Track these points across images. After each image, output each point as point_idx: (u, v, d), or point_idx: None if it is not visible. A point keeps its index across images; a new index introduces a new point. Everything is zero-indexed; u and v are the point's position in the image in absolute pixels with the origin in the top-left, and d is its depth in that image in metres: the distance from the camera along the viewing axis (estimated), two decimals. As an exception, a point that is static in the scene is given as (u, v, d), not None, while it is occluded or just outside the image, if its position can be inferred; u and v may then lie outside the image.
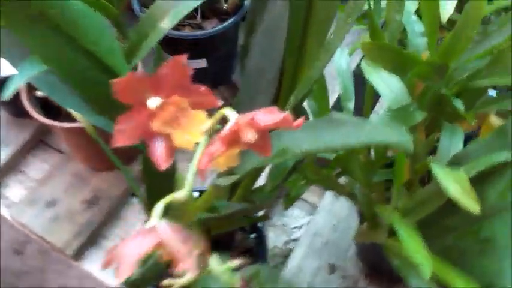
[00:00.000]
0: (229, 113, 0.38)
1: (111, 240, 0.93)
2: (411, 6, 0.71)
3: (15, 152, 0.99)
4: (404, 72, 0.59)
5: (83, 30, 0.48)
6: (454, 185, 0.44)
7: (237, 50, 1.10)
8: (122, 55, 0.54)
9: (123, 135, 0.40)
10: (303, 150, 0.45)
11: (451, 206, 0.46)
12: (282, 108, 0.48)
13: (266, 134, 0.38)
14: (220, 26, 0.96)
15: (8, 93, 0.48)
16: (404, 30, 0.69)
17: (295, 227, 0.93)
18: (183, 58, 0.38)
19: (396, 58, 0.57)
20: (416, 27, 0.68)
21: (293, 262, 0.89)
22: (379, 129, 0.48)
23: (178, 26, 0.98)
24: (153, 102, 0.39)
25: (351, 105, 0.70)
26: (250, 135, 0.35)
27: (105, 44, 0.51)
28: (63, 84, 0.53)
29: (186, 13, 0.60)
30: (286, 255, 0.90)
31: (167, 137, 0.41)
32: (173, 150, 0.41)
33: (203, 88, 0.40)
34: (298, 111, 0.57)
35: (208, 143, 0.39)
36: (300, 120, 0.37)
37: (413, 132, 0.55)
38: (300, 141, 0.44)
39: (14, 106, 0.96)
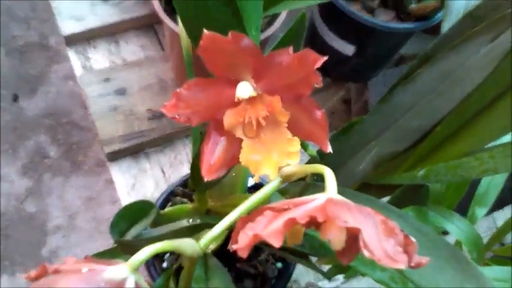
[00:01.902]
0: (329, 181, 0.24)
1: (149, 162, 0.84)
2: None
3: (122, 20, 0.90)
4: None
5: None
6: None
7: (390, 59, 0.93)
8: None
9: (184, 103, 0.27)
10: None
11: None
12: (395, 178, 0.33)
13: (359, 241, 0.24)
14: (395, 25, 0.79)
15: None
16: None
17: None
18: (321, 60, 0.23)
19: None
20: None
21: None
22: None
23: (349, -3, 0.82)
24: (245, 88, 0.26)
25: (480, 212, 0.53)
26: (335, 238, 0.21)
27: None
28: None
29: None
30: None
31: (233, 143, 0.27)
32: (231, 162, 0.28)
33: (319, 114, 0.25)
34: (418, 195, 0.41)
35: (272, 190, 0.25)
36: (424, 260, 0.21)
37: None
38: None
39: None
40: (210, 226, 0.53)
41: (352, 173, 0.49)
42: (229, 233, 0.60)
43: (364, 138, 0.47)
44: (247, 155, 0.27)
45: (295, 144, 0.26)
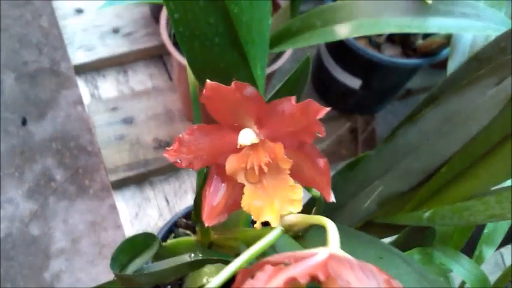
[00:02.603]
0: (331, 235, 0.23)
1: (154, 190, 0.84)
2: None
3: (131, 51, 0.92)
4: None
5: None
6: None
7: (396, 93, 0.93)
8: (267, 34, 0.40)
9: (186, 148, 0.27)
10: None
11: None
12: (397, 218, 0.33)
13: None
14: (402, 60, 0.79)
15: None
16: None
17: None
18: (323, 111, 0.23)
19: None
20: None
21: None
22: None
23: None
24: (248, 135, 0.26)
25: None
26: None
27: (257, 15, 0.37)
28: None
29: (379, 33, 0.45)
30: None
31: (234, 188, 0.27)
32: (233, 207, 0.28)
33: (322, 162, 0.25)
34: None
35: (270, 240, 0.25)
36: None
37: None
38: None
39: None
40: (212, 262, 0.52)
41: (356, 211, 0.49)
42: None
43: (369, 176, 0.47)
44: (249, 201, 0.27)
45: (298, 191, 0.26)
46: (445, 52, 0.78)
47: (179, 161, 0.26)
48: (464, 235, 0.50)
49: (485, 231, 0.54)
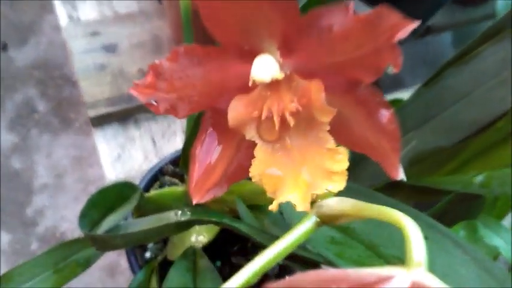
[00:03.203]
0: (415, 248, 0.14)
1: (139, 130, 0.74)
2: None
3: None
4: None
5: None
6: None
7: (416, 30, 0.82)
8: None
9: (166, 83, 0.17)
10: None
11: None
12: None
13: None
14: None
15: None
16: None
17: None
18: (409, 26, 0.13)
19: None
20: None
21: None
22: None
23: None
24: (267, 65, 0.16)
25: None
26: None
27: None
28: None
29: None
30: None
31: (240, 147, 0.17)
32: (235, 177, 0.18)
33: (387, 115, 0.16)
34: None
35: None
36: None
37: None
38: None
39: None
40: (202, 223, 0.43)
41: (380, 169, 0.40)
42: (223, 228, 0.51)
43: (401, 126, 0.37)
44: (263, 168, 0.17)
45: (341, 158, 0.16)
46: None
47: (154, 103, 0.16)
48: (509, 202, 0.42)
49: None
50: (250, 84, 0.16)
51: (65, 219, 1.30)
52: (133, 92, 0.16)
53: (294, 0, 0.14)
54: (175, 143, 0.75)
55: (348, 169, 0.38)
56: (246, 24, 0.15)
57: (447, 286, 0.12)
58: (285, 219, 0.33)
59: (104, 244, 0.41)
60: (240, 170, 0.18)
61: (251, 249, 0.57)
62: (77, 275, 0.43)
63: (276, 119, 0.16)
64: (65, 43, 1.35)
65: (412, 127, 0.38)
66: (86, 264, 0.44)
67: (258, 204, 0.48)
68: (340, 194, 0.32)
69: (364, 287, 0.12)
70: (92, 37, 0.75)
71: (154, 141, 0.75)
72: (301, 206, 0.16)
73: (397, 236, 0.33)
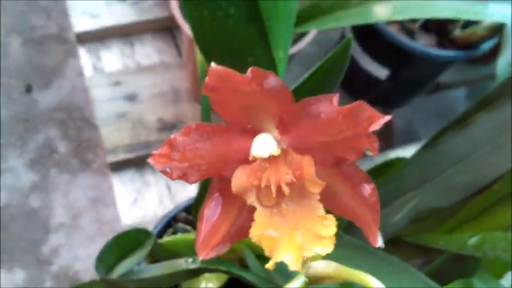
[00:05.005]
0: None
1: (155, 175, 0.77)
2: None
3: (139, 21, 0.84)
4: None
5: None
6: None
7: (425, 86, 0.85)
8: (294, 8, 0.32)
9: (179, 154, 0.19)
10: None
11: None
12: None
13: None
14: (436, 51, 0.71)
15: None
16: None
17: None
18: (381, 120, 0.16)
19: None
20: None
21: None
22: None
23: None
24: (265, 143, 0.18)
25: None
26: None
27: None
28: None
29: (428, 17, 0.38)
30: None
31: (242, 211, 0.20)
32: (237, 236, 0.20)
33: (368, 189, 0.18)
34: None
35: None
36: None
37: None
38: None
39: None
40: (211, 271, 0.45)
41: (383, 225, 0.41)
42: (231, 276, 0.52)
43: (402, 186, 0.40)
44: (261, 230, 0.19)
45: (329, 224, 0.19)
46: (485, 45, 0.69)
47: (168, 170, 0.19)
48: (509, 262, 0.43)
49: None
50: (250, 158, 0.19)
51: (78, 258, 1.31)
52: (151, 162, 0.19)
53: (288, 93, 0.17)
54: (189, 190, 0.78)
55: (350, 224, 0.40)
56: (248, 110, 0.18)
57: None
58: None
59: (117, 287, 0.43)
60: (241, 230, 0.20)
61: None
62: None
63: (273, 188, 0.19)
64: (87, 88, 1.41)
65: (412, 187, 0.40)
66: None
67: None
68: (344, 248, 0.34)
69: None
70: (114, 86, 0.79)
71: (169, 187, 0.78)
72: (293, 266, 0.19)
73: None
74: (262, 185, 0.19)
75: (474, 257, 0.39)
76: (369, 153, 0.17)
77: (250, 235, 0.20)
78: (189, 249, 0.56)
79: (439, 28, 0.73)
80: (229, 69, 0.16)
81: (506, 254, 0.31)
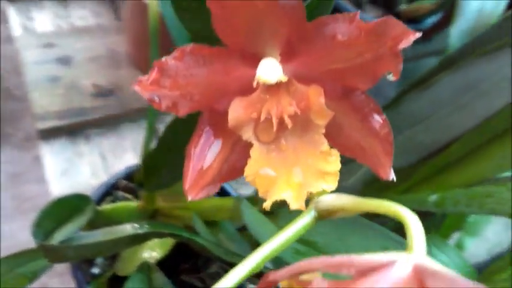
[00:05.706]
0: (415, 235, 0.15)
1: (88, 145, 0.72)
2: None
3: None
4: None
5: None
6: None
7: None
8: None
9: (170, 80, 0.17)
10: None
11: None
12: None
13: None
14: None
15: None
16: None
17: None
18: (412, 36, 0.14)
19: None
20: None
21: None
22: None
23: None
24: (272, 68, 0.17)
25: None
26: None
27: None
28: None
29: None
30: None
31: (235, 147, 0.18)
32: (229, 175, 0.19)
33: (380, 120, 0.17)
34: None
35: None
36: None
37: None
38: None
39: None
40: (160, 235, 0.43)
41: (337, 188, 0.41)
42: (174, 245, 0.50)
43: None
44: (257, 168, 0.18)
45: (334, 160, 0.17)
46: (430, 20, 0.71)
47: (157, 99, 0.17)
48: (459, 221, 0.45)
49: (470, 219, 0.48)
50: (254, 85, 0.17)
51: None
52: (137, 88, 0.17)
53: (303, 9, 0.16)
54: (124, 160, 0.74)
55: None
56: (253, 26, 0.16)
57: (447, 269, 0.13)
58: (252, 234, 0.33)
59: (56, 255, 0.40)
60: (233, 169, 0.19)
61: (202, 267, 0.57)
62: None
63: (275, 121, 0.17)
64: (15, 55, 1.31)
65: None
66: (33, 277, 0.42)
67: (214, 220, 0.49)
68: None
69: (367, 270, 0.13)
70: (46, 48, 0.73)
71: (103, 158, 0.73)
72: (295, 204, 0.17)
73: (355, 248, 0.34)
74: (262, 118, 0.17)
75: (427, 219, 0.40)
76: (391, 77, 0.15)
77: (245, 174, 0.18)
78: (131, 217, 0.53)
79: (386, 1, 0.74)
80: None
81: (470, 208, 0.31)
